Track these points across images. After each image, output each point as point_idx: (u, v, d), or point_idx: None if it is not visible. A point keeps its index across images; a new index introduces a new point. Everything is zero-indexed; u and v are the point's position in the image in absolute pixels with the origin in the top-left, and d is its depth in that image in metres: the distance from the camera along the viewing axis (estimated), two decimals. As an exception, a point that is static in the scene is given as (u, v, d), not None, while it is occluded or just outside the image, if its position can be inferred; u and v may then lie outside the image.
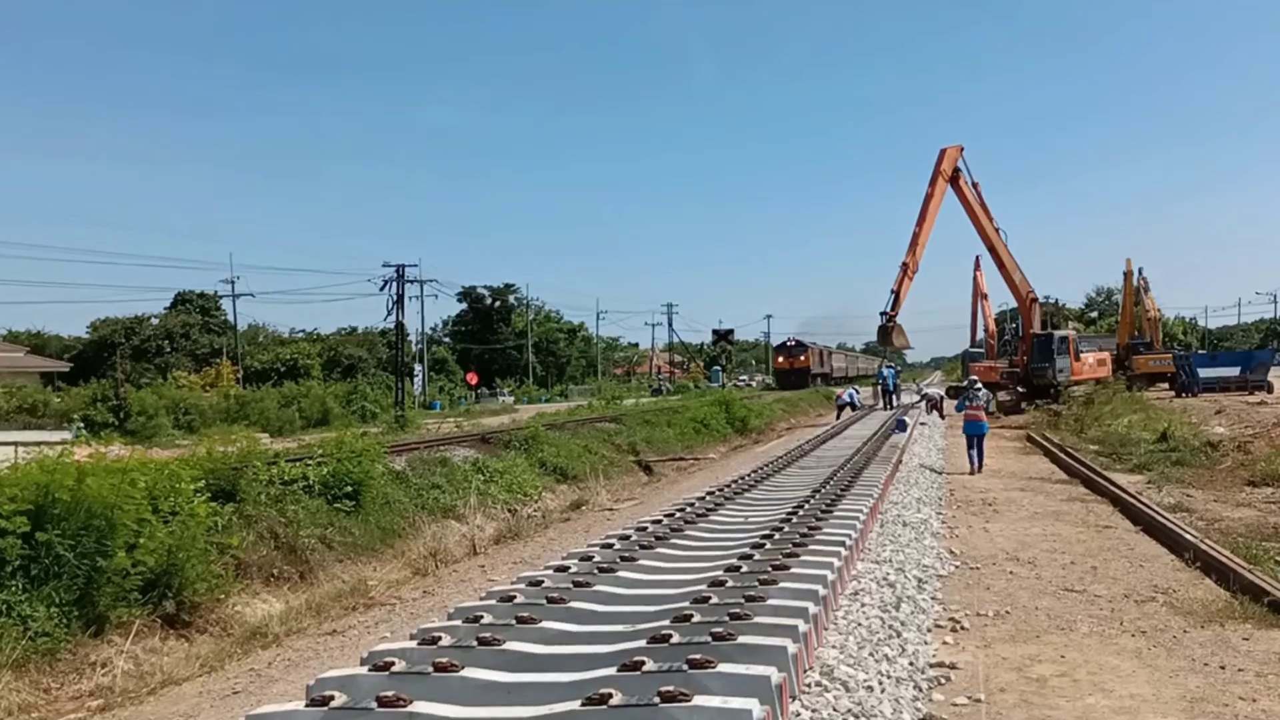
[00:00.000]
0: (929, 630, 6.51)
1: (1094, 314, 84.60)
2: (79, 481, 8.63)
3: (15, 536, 8.06)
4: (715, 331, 44.41)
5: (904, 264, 32.98)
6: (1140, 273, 46.59)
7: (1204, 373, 39.94)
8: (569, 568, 7.13)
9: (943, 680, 5.46)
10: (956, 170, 34.20)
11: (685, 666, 4.32)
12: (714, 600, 5.72)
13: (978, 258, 57.94)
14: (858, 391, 40.38)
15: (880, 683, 5.18)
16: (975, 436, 17.54)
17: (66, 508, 8.51)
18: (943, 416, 28.76)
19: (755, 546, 7.51)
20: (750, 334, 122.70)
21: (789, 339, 74.25)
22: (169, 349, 61.70)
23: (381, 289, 43.97)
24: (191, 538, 9.42)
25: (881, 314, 32.61)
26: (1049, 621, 6.87)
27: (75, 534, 8.42)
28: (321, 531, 12.26)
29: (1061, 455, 18.93)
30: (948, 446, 22.44)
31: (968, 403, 18.42)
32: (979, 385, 19.56)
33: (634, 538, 8.33)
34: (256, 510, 11.68)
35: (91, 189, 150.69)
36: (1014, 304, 42.56)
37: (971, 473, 17.03)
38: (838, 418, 33.73)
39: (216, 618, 9.58)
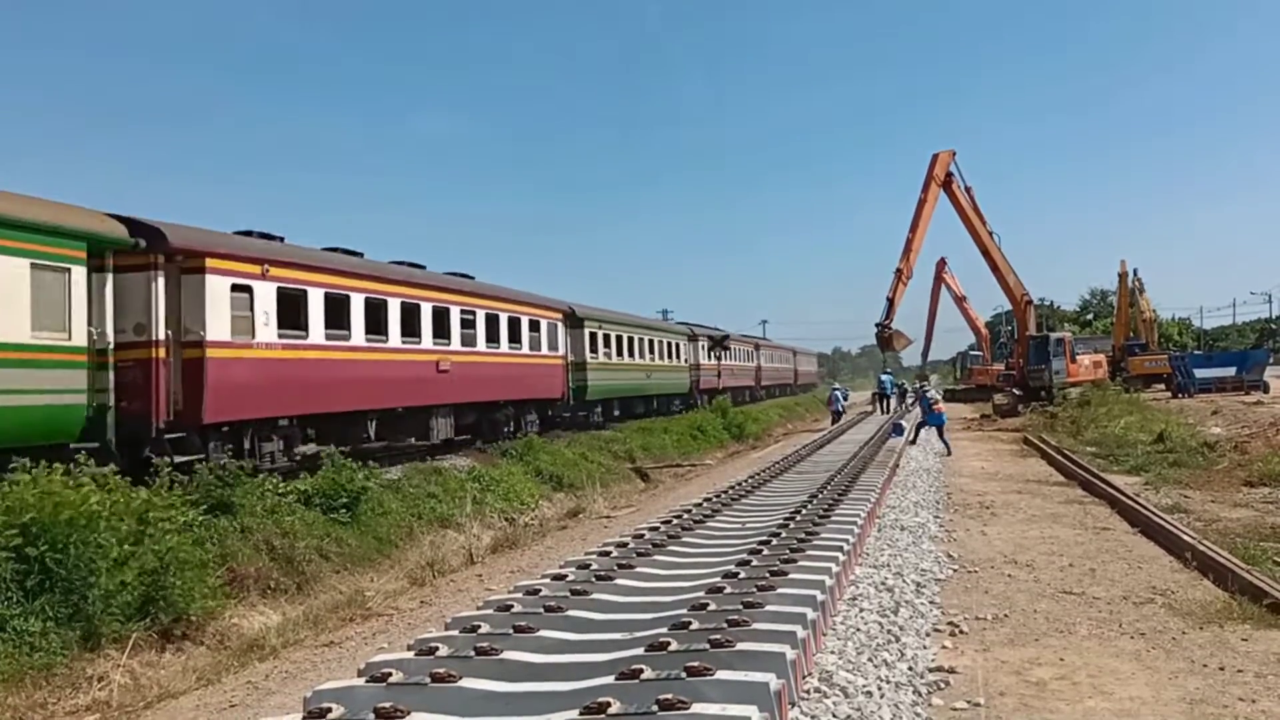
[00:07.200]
0: (928, 634, 6.50)
1: (1089, 316, 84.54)
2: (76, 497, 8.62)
3: (7, 550, 8.04)
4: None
5: (898, 270, 33.10)
6: (1135, 274, 46.77)
7: (1200, 373, 40.00)
8: (566, 576, 7.12)
9: (942, 685, 5.44)
10: (949, 175, 34.32)
11: (683, 674, 4.31)
12: (712, 607, 5.71)
13: (942, 260, 59.02)
14: (847, 394, 40.68)
15: (879, 688, 5.17)
16: (938, 426, 22.88)
17: (65, 524, 8.49)
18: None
19: (753, 552, 7.50)
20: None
21: None
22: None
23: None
24: (179, 554, 9.36)
25: (877, 325, 32.69)
26: (1048, 624, 6.86)
27: (64, 549, 8.40)
28: (318, 543, 12.21)
29: (1058, 457, 18.93)
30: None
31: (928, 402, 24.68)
32: (928, 387, 26.78)
33: (631, 545, 8.32)
34: (252, 522, 11.64)
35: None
36: (1009, 307, 42.66)
37: (939, 452, 21.25)
38: (833, 421, 33.80)
39: (213, 630, 9.53)
